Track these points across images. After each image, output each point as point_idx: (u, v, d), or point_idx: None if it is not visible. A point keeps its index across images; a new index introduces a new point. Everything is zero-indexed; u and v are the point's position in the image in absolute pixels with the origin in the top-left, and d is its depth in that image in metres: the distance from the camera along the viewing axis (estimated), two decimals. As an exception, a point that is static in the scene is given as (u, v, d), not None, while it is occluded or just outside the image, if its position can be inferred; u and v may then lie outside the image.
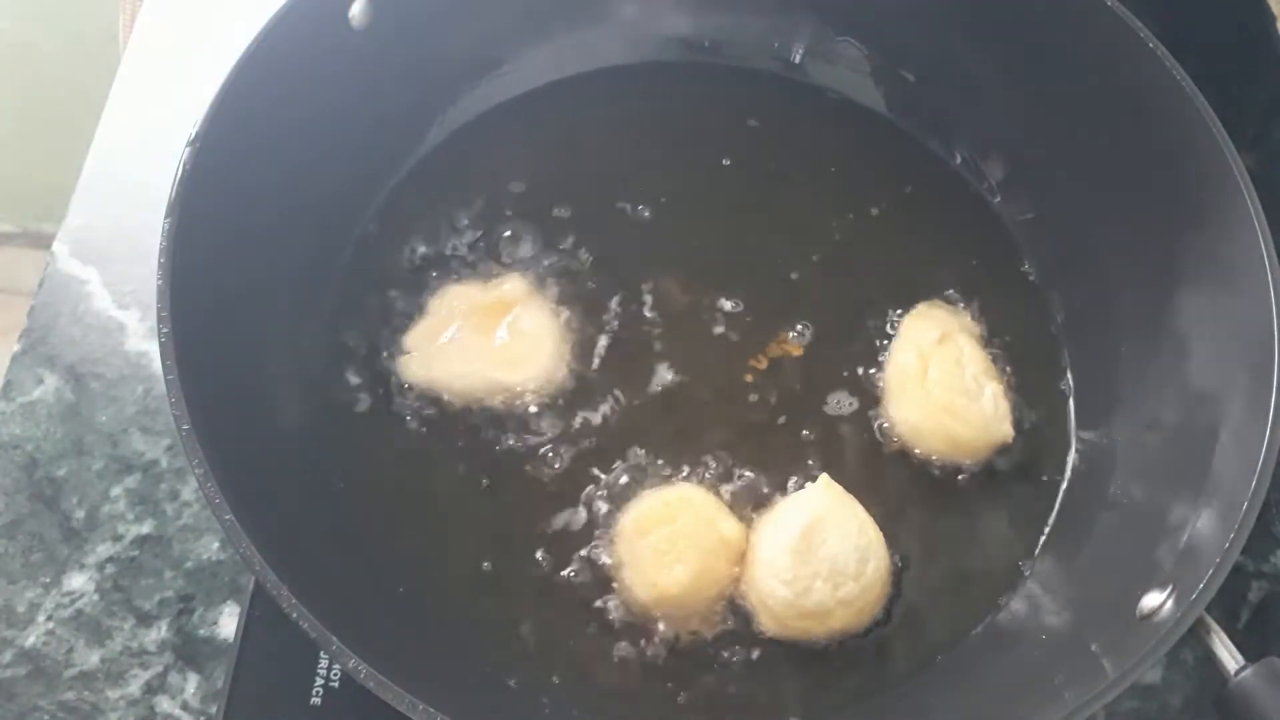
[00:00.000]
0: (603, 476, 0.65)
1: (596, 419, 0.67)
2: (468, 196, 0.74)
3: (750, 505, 0.65)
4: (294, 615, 0.48)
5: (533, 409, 0.67)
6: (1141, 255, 0.68)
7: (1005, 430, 0.67)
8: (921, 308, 0.71)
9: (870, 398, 0.69)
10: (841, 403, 0.69)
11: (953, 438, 0.67)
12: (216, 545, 0.68)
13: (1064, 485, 0.68)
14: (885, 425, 0.68)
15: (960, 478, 0.67)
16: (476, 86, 0.78)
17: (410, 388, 0.67)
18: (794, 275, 0.73)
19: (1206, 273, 0.63)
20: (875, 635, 0.62)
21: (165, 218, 0.56)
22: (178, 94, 0.80)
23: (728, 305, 0.72)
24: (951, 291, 0.73)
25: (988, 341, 0.71)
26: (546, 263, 0.72)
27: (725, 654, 0.62)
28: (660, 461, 0.66)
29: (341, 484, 0.65)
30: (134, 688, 0.64)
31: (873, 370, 0.70)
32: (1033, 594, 0.64)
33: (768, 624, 0.61)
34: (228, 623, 0.66)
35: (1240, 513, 0.53)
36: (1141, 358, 0.67)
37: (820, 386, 0.69)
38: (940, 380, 0.67)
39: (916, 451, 0.67)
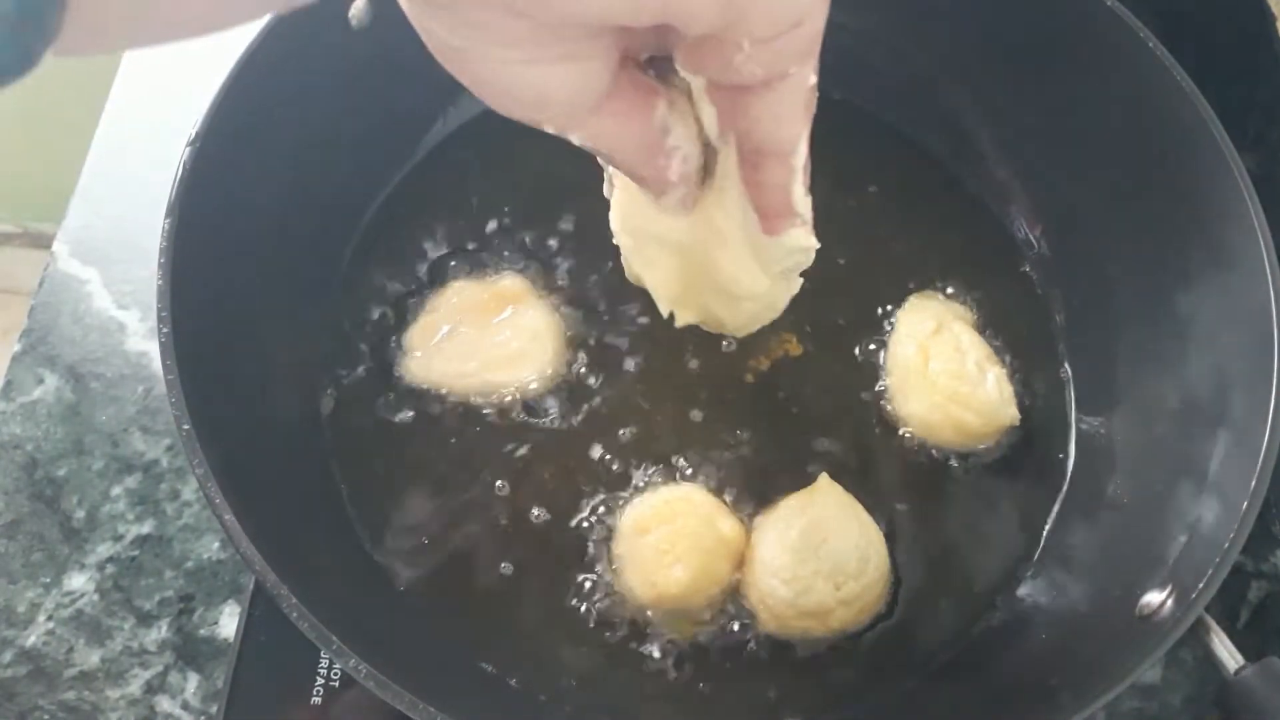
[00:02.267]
0: (602, 475, 0.65)
1: (595, 418, 0.67)
2: (467, 195, 0.74)
3: (750, 505, 0.65)
4: (294, 615, 0.48)
5: (532, 407, 0.67)
6: (1141, 255, 0.68)
7: (1011, 413, 0.67)
8: (914, 300, 0.72)
9: (871, 394, 0.69)
10: (842, 401, 0.69)
11: (962, 426, 0.67)
12: (217, 545, 0.68)
13: (1063, 485, 0.68)
14: (892, 420, 0.68)
15: (960, 477, 0.67)
16: (477, 86, 0.77)
17: (411, 386, 0.67)
18: (794, 275, 0.73)
19: (1206, 273, 0.63)
20: (874, 635, 0.63)
21: (165, 218, 0.56)
22: (177, 94, 0.80)
23: (728, 305, 0.72)
24: (940, 282, 0.73)
25: (988, 338, 0.71)
26: (546, 261, 0.72)
27: (724, 653, 0.62)
28: (660, 461, 0.66)
29: (342, 484, 0.65)
30: (134, 687, 0.64)
31: (873, 367, 0.70)
32: (1032, 593, 0.65)
33: (768, 623, 0.61)
34: (228, 622, 0.66)
35: (1240, 512, 0.53)
36: (1141, 357, 0.67)
37: (821, 385, 0.69)
38: (943, 370, 0.67)
39: (927, 444, 0.67)
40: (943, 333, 0.69)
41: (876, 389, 0.69)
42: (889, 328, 0.71)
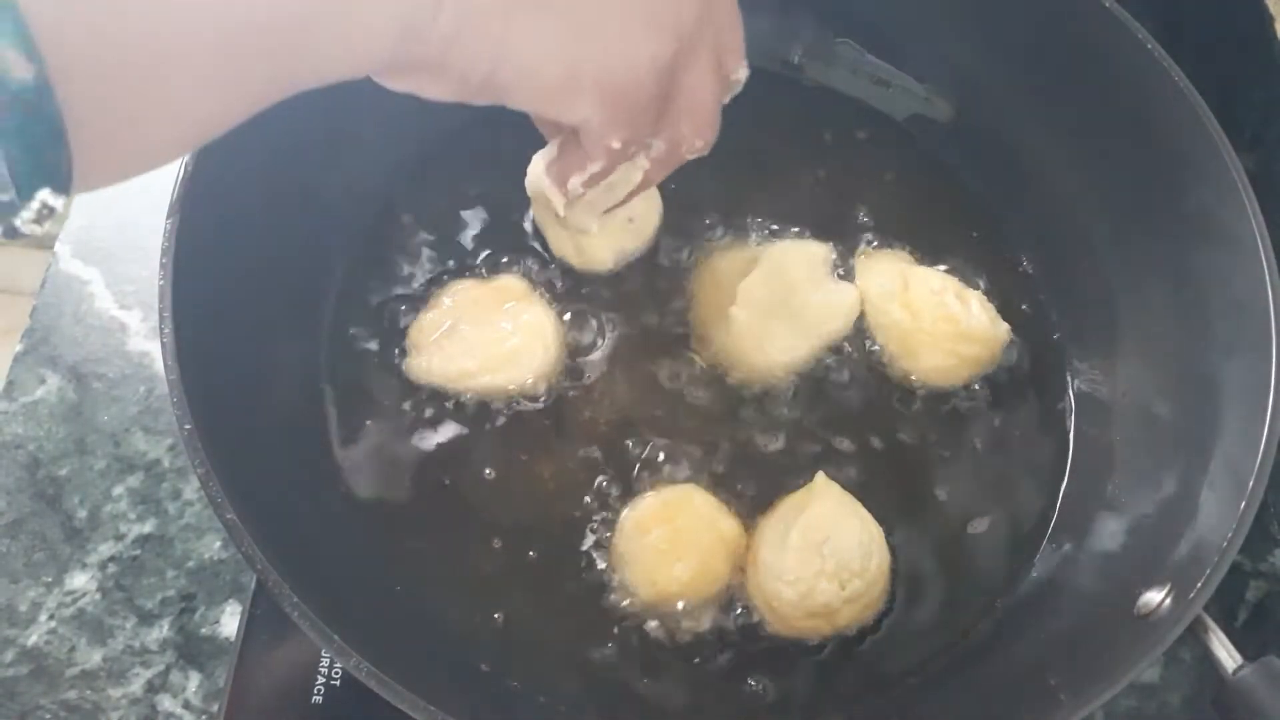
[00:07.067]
0: (602, 476, 0.66)
1: (595, 418, 0.67)
2: (468, 194, 0.74)
3: (750, 505, 0.65)
4: (295, 614, 0.48)
5: (532, 407, 0.67)
6: (1141, 255, 0.68)
7: (1004, 328, 0.69)
8: (861, 265, 0.72)
9: (870, 391, 0.69)
10: (844, 397, 0.69)
11: (971, 359, 0.69)
12: (218, 544, 0.68)
13: (1063, 485, 0.68)
14: (903, 380, 0.69)
15: (960, 476, 0.67)
16: (477, 87, 0.78)
17: (411, 386, 0.68)
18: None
19: (1204, 272, 0.63)
20: (875, 635, 0.63)
21: (167, 218, 0.56)
22: (179, 95, 0.80)
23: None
24: (870, 235, 0.74)
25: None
26: (547, 260, 0.72)
27: (726, 653, 0.62)
28: (660, 461, 0.66)
29: (343, 483, 0.65)
30: (136, 686, 0.64)
31: (871, 363, 0.70)
32: (1030, 593, 0.65)
33: (774, 624, 0.62)
34: (229, 621, 0.66)
35: (1238, 512, 0.53)
36: (1139, 356, 0.68)
37: (822, 385, 0.69)
38: (937, 318, 0.68)
39: (957, 388, 0.69)
40: (912, 285, 0.70)
41: (872, 386, 0.69)
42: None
